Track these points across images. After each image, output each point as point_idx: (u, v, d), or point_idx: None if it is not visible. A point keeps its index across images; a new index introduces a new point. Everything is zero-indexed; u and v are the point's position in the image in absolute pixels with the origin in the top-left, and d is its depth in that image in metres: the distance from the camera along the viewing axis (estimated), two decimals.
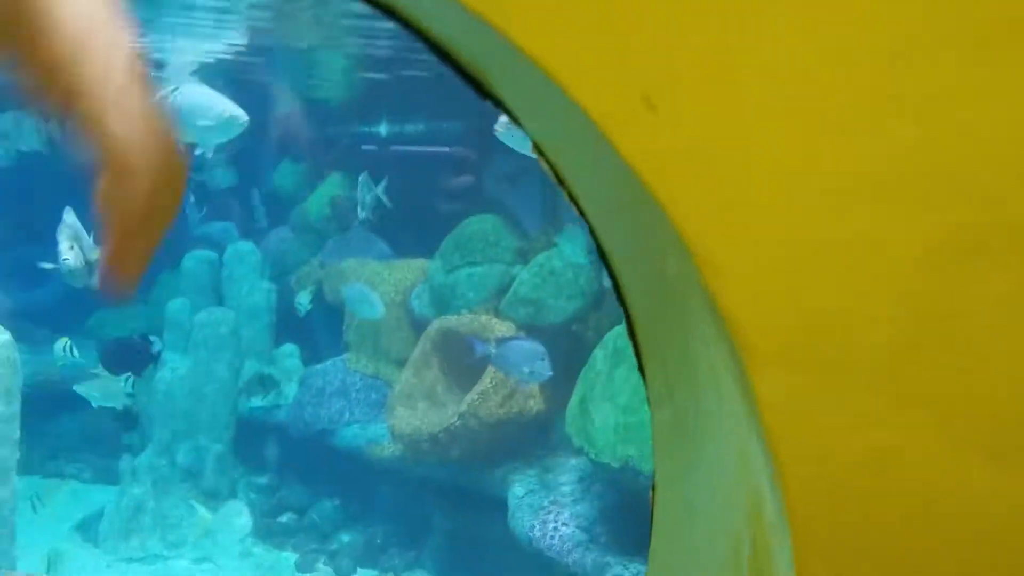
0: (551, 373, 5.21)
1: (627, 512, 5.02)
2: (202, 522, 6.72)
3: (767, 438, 0.67)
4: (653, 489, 0.97)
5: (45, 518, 7.94)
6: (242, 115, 5.33)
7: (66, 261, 5.60)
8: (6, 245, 10.02)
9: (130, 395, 6.49)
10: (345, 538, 7.59)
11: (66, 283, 6.27)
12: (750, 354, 0.68)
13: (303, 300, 8.84)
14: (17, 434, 6.18)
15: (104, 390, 6.62)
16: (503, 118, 3.75)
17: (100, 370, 6.99)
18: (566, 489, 5.64)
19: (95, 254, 5.64)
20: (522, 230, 7.22)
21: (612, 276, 0.96)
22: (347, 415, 7.65)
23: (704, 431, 0.84)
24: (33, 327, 9.43)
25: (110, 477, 8.25)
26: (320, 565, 7.25)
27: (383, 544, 7.35)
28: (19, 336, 7.33)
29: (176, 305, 8.93)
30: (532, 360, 5.16)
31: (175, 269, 10.00)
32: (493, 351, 5.47)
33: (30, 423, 8.16)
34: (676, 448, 0.92)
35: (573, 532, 5.22)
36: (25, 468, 8.67)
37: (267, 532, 7.64)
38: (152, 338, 8.23)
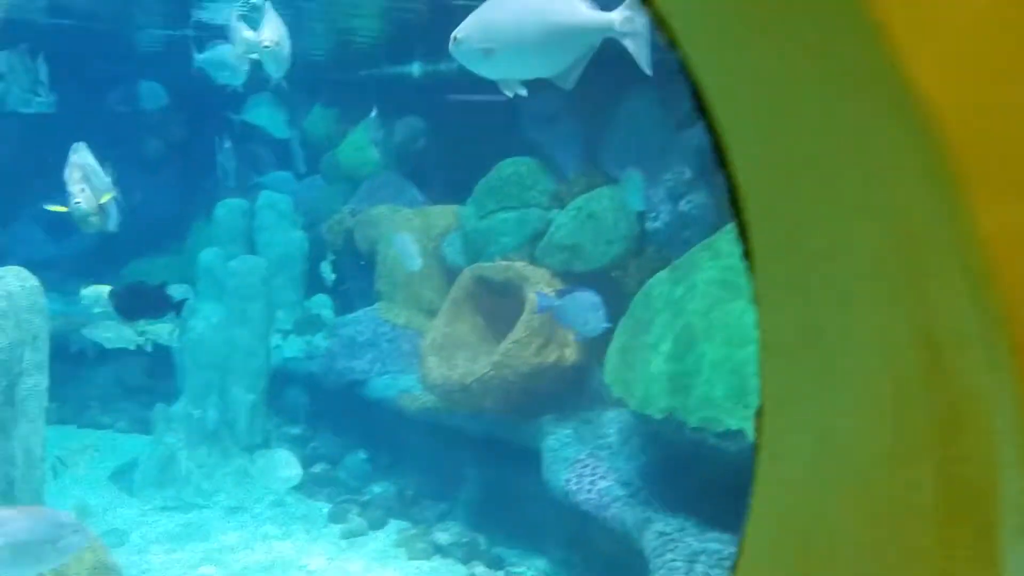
0: (608, 324, 4.95)
1: (670, 466, 4.79)
2: (253, 470, 6.66)
3: (994, 305, 0.41)
4: (759, 415, 0.71)
5: (80, 467, 7.96)
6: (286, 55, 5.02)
7: (77, 204, 4.91)
8: (29, 194, 9.97)
9: (144, 337, 6.31)
10: (377, 489, 7.50)
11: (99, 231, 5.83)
12: (965, 174, 0.41)
13: (326, 271, 8.70)
14: (46, 382, 6.07)
15: (116, 333, 6.47)
16: (457, 32, 3.41)
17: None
18: (604, 442, 5.41)
19: (109, 195, 5.17)
20: (559, 172, 6.91)
21: (702, 102, 0.68)
22: (379, 365, 7.50)
23: (855, 322, 0.58)
24: (65, 277, 9.42)
25: (146, 427, 8.22)
26: (352, 516, 7.15)
27: (415, 496, 7.23)
28: (52, 286, 7.24)
29: (208, 254, 8.81)
30: (592, 311, 4.91)
31: (208, 218, 9.91)
32: (557, 304, 5.22)
33: (66, 373, 8.16)
34: (802, 355, 0.66)
35: (611, 486, 4.99)
36: (60, 418, 8.72)
37: (300, 482, 7.57)
38: (183, 286, 8.14)
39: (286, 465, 6.38)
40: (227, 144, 10.09)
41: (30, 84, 7.60)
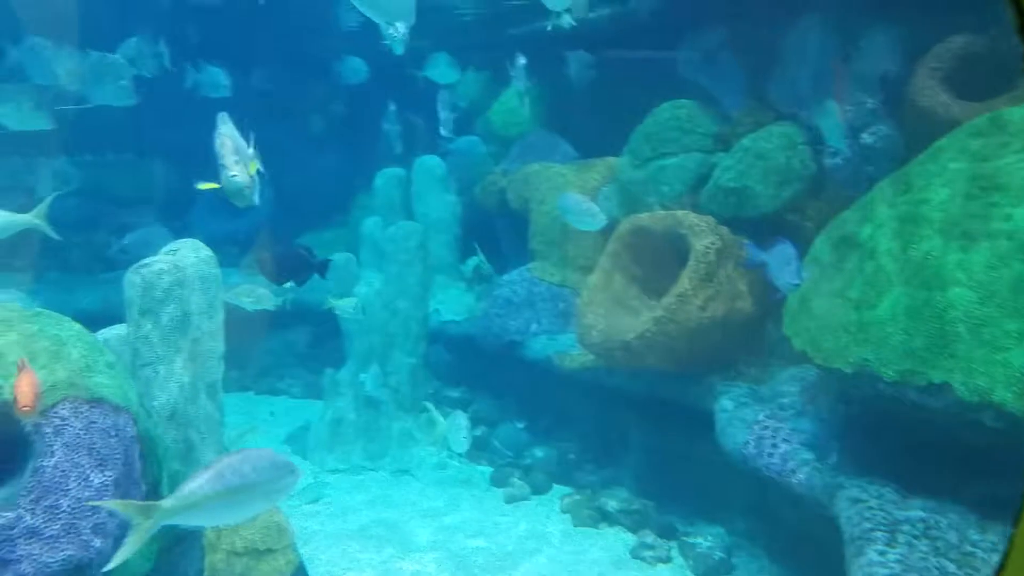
0: (801, 280, 4.38)
1: (863, 426, 4.24)
2: (436, 429, 6.67)
3: None
4: None
5: (254, 440, 8.32)
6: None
7: (233, 177, 4.41)
8: (206, 177, 10.44)
9: (283, 299, 6.33)
10: (539, 453, 7.31)
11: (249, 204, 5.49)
12: None
13: (480, 263, 8.59)
14: (222, 348, 6.28)
15: (256, 296, 6.56)
16: None
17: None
18: (785, 401, 4.90)
19: (255, 165, 4.80)
20: (722, 113, 6.35)
21: None
22: (535, 325, 7.28)
23: None
24: (240, 253, 9.87)
25: (318, 392, 8.47)
26: (515, 480, 7.01)
27: (577, 460, 6.97)
28: (228, 262, 7.51)
29: (369, 223, 8.99)
30: (788, 264, 4.38)
31: (368, 189, 10.10)
32: (766, 257, 4.72)
33: (244, 344, 8.48)
34: None
35: (796, 449, 4.49)
36: (238, 385, 9.18)
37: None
38: (346, 255, 8.28)
39: (462, 428, 6.31)
40: (392, 108, 10.12)
41: (156, 69, 7.89)
